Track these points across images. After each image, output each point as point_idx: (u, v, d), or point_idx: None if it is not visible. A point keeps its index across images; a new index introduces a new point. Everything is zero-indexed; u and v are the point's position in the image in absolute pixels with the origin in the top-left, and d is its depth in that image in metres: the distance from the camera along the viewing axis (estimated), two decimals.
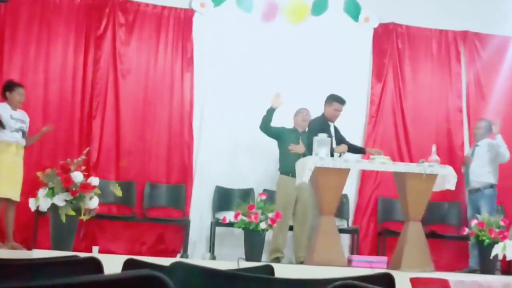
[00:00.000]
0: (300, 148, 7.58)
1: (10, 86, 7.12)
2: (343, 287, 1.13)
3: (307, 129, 7.57)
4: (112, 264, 2.39)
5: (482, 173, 8.09)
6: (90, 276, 1.13)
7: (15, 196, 6.78)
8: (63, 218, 6.03)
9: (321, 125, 7.20)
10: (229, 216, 7.32)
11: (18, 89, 7.11)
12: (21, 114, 7.14)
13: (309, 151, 6.96)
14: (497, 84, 9.05)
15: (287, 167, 7.58)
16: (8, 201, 6.83)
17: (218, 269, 2.17)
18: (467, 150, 8.64)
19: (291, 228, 7.68)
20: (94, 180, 6.33)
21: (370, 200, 8.57)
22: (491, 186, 8.09)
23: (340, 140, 7.42)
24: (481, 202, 7.97)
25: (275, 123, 7.82)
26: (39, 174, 6.34)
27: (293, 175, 7.23)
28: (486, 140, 8.24)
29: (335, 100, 7.39)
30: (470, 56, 9.15)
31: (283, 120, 7.89)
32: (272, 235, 7.34)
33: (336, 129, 7.45)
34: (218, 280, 2.11)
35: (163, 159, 8.27)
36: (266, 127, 7.80)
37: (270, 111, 7.74)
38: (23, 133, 7.05)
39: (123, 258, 2.68)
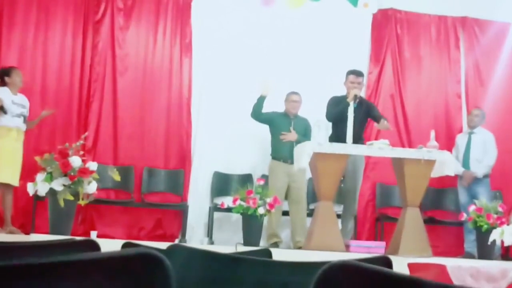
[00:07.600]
0: (292, 135, 7.56)
1: (6, 70, 7.07)
2: (340, 266, 1.13)
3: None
4: (110, 248, 2.39)
5: (483, 162, 8.07)
6: (88, 254, 1.13)
7: (14, 181, 6.77)
8: (61, 203, 6.05)
9: (337, 102, 7.23)
10: (227, 201, 7.33)
11: (15, 71, 7.06)
12: (21, 98, 7.08)
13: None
14: (496, 70, 9.03)
15: (278, 153, 7.60)
16: (6, 186, 6.82)
17: (215, 252, 2.17)
18: (459, 139, 8.38)
19: (284, 213, 7.68)
20: (92, 165, 6.34)
21: (368, 186, 8.55)
22: (487, 175, 8.10)
23: (375, 117, 7.30)
24: (480, 189, 7.96)
25: (273, 108, 7.81)
26: (37, 158, 6.35)
27: (285, 161, 7.43)
28: (481, 128, 8.22)
29: (349, 73, 7.40)
30: (469, 42, 9.11)
31: (280, 105, 7.89)
32: (267, 220, 7.34)
33: (365, 108, 7.34)
34: (215, 262, 2.11)
35: (162, 144, 8.26)
36: (257, 115, 7.78)
37: (261, 100, 7.71)
38: (24, 118, 7.01)
39: (121, 242, 2.67)
